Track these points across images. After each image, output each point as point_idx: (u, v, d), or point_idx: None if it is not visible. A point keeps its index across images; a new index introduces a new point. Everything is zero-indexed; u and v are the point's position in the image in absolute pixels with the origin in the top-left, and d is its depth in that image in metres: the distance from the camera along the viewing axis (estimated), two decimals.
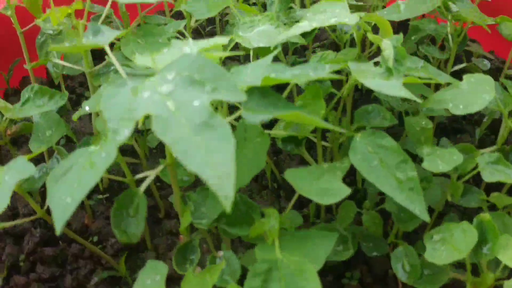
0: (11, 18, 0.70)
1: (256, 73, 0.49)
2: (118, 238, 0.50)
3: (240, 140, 0.52)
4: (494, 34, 0.80)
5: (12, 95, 0.88)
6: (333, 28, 0.75)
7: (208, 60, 0.43)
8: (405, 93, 0.50)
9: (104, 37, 0.53)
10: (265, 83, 0.48)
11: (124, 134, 0.38)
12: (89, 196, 0.72)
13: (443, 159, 0.56)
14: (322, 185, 0.50)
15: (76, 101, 0.88)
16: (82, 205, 0.71)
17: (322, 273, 0.63)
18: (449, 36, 0.69)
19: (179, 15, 1.03)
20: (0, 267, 0.66)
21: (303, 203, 0.71)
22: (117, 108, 0.40)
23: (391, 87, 0.51)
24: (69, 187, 0.44)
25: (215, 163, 0.36)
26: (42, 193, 0.69)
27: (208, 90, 0.41)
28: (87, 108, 0.55)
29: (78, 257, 0.67)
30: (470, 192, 0.60)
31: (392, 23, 0.69)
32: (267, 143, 0.51)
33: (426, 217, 0.49)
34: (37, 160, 0.73)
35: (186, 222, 0.54)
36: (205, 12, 0.66)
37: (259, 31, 0.64)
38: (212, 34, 0.99)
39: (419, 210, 0.49)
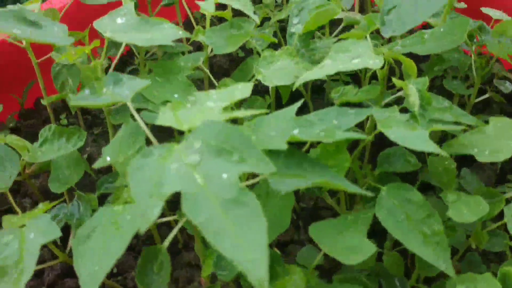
0: (27, 50, 0.69)
1: (280, 130, 0.48)
2: None
3: (262, 195, 0.52)
4: None
5: (27, 116, 0.88)
6: None
7: (235, 128, 0.42)
8: (432, 148, 0.49)
9: (126, 89, 0.52)
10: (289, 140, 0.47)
11: (154, 214, 0.38)
12: None
13: (469, 207, 0.55)
14: (346, 242, 0.49)
15: (91, 122, 0.88)
16: None
17: None
18: (473, 70, 0.67)
19: (197, 42, 1.01)
20: None
21: None
22: (145, 183, 0.40)
23: (416, 140, 0.50)
24: (96, 254, 0.44)
25: (247, 245, 0.36)
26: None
27: (235, 160, 0.40)
28: (108, 158, 0.54)
29: None
30: (494, 235, 0.59)
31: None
32: (291, 199, 0.50)
33: (451, 273, 0.49)
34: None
35: (208, 271, 0.53)
36: (224, 47, 0.65)
37: (279, 67, 0.63)
38: (229, 54, 0.97)
39: (445, 265, 0.49)
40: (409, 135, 0.51)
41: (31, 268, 0.45)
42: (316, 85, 0.94)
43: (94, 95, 0.54)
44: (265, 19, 0.91)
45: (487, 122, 0.78)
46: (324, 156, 0.53)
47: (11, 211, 0.77)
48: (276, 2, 0.86)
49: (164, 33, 0.60)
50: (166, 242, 0.51)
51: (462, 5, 0.82)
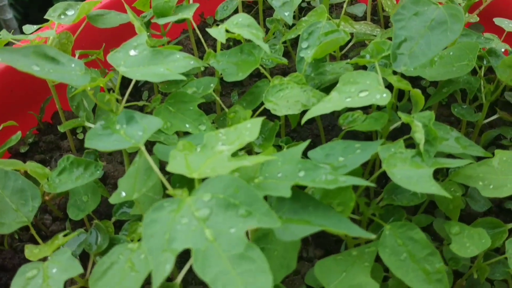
0: None
1: (286, 172, 0.50)
2: None
3: (266, 233, 0.53)
4: None
5: (45, 131, 0.90)
6: None
7: (242, 182, 0.44)
8: (435, 190, 0.50)
9: (139, 129, 0.54)
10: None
11: (167, 270, 0.40)
12: None
13: (472, 240, 0.56)
14: (351, 281, 0.51)
15: None
16: None
17: None
18: (482, 93, 0.68)
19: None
20: None
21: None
22: (157, 238, 0.42)
23: (419, 181, 0.52)
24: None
25: None
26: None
27: (242, 214, 0.43)
28: (123, 194, 0.57)
29: None
30: (496, 263, 0.61)
31: None
32: (298, 240, 0.52)
33: None
34: None
35: None
36: (235, 74, 0.66)
37: (287, 96, 0.64)
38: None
39: None
40: (413, 175, 0.53)
41: None
42: None
43: (106, 129, 0.56)
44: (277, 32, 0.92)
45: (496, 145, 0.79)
46: (330, 194, 0.55)
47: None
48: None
49: (177, 65, 0.62)
50: (179, 278, 0.53)
51: (475, 17, 0.82)
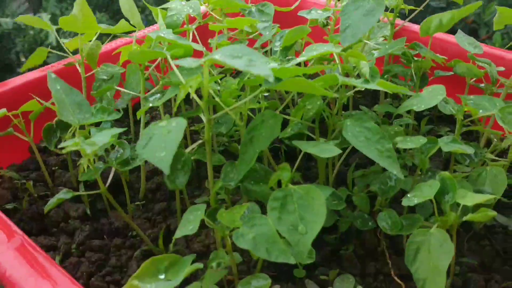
0: (79, 67, 0.92)
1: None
2: (168, 186, 0.66)
3: (259, 122, 0.70)
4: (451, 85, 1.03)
5: None
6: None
7: (243, 45, 0.63)
8: (380, 88, 0.70)
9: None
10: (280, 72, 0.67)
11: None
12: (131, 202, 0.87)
13: (412, 141, 0.73)
14: (321, 147, 0.67)
15: None
16: (125, 209, 0.86)
17: (321, 246, 0.77)
18: (414, 75, 0.91)
19: None
20: (57, 253, 0.80)
21: None
22: (186, 62, 0.59)
23: (370, 86, 0.71)
24: (159, 147, 0.58)
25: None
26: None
27: (245, 60, 0.60)
28: (151, 103, 0.74)
29: (121, 247, 0.81)
30: (435, 174, 0.77)
31: None
32: (279, 120, 0.68)
33: (400, 175, 0.66)
34: None
35: (216, 188, 0.69)
36: None
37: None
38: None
39: (396, 170, 0.66)
40: (365, 84, 0.72)
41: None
42: None
43: None
44: None
45: None
46: (307, 98, 0.73)
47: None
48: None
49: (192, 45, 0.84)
50: (188, 149, 0.68)
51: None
